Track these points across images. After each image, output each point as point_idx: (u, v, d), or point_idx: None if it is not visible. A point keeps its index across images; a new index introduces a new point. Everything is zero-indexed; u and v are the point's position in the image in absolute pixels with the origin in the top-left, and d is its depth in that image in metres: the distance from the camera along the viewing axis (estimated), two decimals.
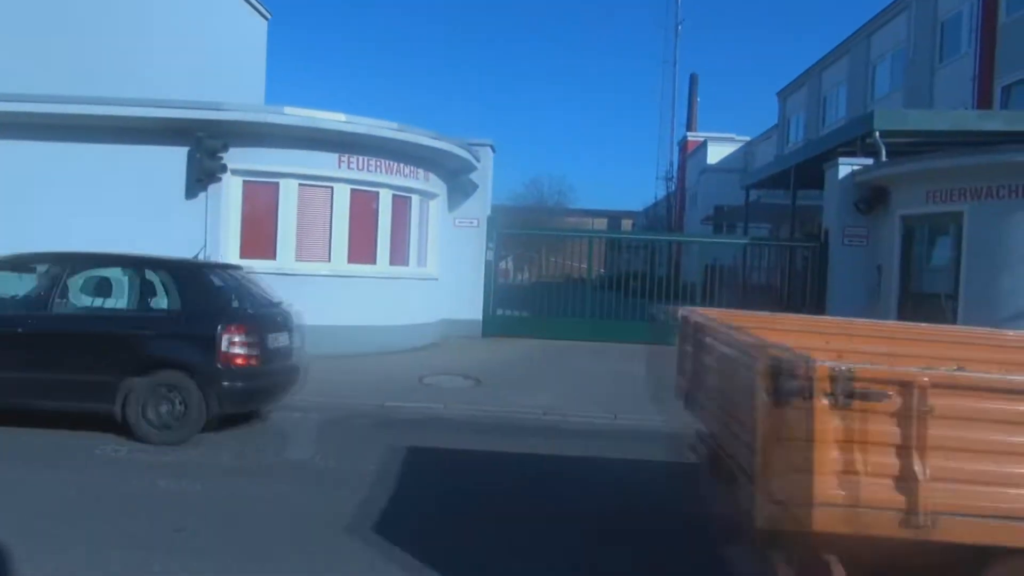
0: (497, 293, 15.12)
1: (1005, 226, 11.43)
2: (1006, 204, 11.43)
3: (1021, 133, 13.31)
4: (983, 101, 19.69)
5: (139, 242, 11.07)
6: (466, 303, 14.68)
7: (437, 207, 13.98)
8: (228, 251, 11.37)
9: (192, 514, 4.82)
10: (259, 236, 11.57)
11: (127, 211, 11.13)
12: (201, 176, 11.02)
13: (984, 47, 19.86)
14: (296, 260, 11.63)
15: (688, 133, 47.56)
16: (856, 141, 14.57)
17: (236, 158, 11.21)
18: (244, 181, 11.50)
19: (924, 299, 12.81)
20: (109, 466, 5.79)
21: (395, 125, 11.78)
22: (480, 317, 14.79)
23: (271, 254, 11.53)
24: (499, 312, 15.12)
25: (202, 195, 11.24)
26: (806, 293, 15.01)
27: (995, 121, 14.40)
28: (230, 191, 11.38)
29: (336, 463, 6.14)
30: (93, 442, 6.32)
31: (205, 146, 10.87)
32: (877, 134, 13.78)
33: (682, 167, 46.48)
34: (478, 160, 14.05)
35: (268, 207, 11.60)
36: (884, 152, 13.73)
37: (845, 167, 14.00)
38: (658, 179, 47.79)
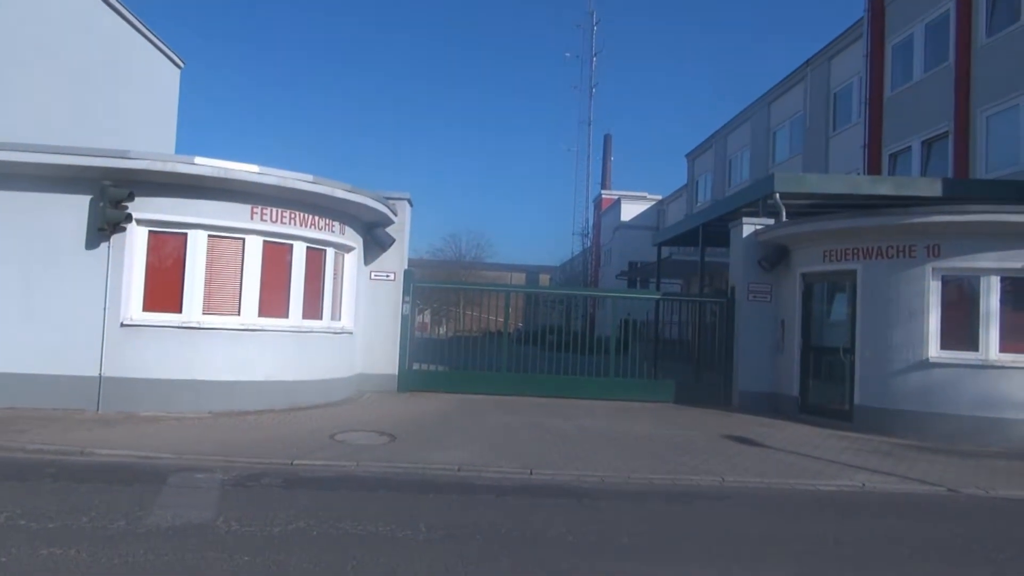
0: (413, 347, 14.98)
1: (893, 283, 12.16)
2: (893, 263, 12.17)
3: (907, 197, 14.33)
4: (873, 167, 21.13)
5: (33, 291, 10.59)
6: (381, 357, 14.47)
7: (352, 260, 13.84)
8: (131, 303, 10.93)
9: None
10: (164, 288, 11.16)
11: (13, 260, 10.64)
12: (103, 225, 10.60)
13: (872, 118, 21.40)
14: (203, 313, 11.24)
15: (603, 191, 48.99)
16: (759, 202, 15.34)
17: (142, 207, 10.88)
18: (150, 231, 11.13)
19: (824, 353, 13.40)
20: None
21: (310, 177, 11.65)
22: (396, 372, 14.58)
23: (177, 307, 11.13)
24: (415, 366, 14.96)
25: (104, 245, 10.81)
26: (715, 346, 15.49)
27: (884, 185, 15.44)
28: (134, 241, 10.98)
29: (239, 526, 5.85)
30: None
31: (109, 195, 10.50)
32: (777, 195, 14.56)
33: (597, 224, 47.70)
34: (395, 213, 14.04)
35: (175, 258, 11.23)
36: (784, 213, 14.49)
37: (748, 226, 14.68)
38: (574, 235, 48.84)
